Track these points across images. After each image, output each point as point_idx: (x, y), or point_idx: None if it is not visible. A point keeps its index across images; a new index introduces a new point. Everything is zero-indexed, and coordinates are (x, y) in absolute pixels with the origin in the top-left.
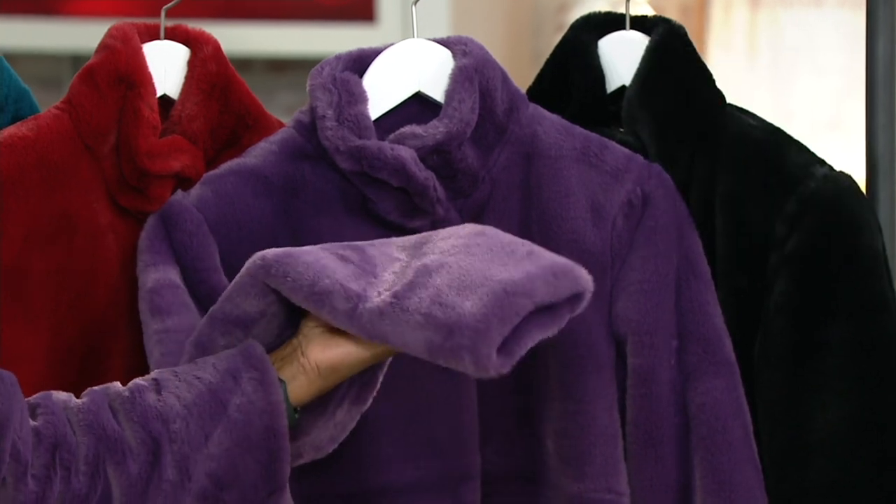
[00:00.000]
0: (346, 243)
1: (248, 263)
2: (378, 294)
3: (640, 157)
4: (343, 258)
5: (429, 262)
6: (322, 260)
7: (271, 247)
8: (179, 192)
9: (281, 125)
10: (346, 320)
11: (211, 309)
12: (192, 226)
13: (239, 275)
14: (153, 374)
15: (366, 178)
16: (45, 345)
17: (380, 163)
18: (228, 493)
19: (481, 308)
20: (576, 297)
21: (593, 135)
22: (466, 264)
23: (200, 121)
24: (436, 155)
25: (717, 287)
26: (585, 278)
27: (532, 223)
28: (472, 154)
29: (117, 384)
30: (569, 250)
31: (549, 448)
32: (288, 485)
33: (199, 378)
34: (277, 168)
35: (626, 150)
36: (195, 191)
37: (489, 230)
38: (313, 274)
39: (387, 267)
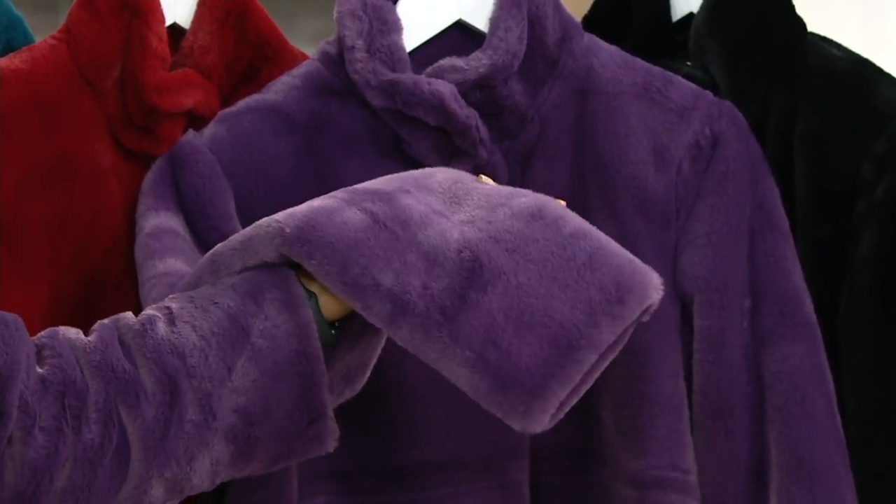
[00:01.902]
0: (375, 185)
1: (263, 228)
2: (420, 291)
3: (708, 94)
4: (374, 217)
5: (482, 256)
6: (349, 228)
7: (293, 192)
8: (191, 132)
9: (304, 57)
10: (385, 327)
11: (214, 252)
12: (204, 168)
13: (248, 236)
14: (166, 300)
15: (399, 117)
16: (44, 301)
17: (415, 99)
18: (260, 428)
19: (541, 364)
20: (644, 310)
21: (656, 68)
22: (525, 280)
23: (215, 52)
24: (479, 90)
25: (795, 239)
26: (656, 286)
27: (586, 168)
28: (520, 89)
29: (129, 315)
30: (628, 198)
31: (605, 421)
32: (331, 412)
33: (216, 303)
34: (301, 105)
35: (694, 86)
36: (209, 130)
37: (546, 206)
38: (341, 258)
39: (427, 230)
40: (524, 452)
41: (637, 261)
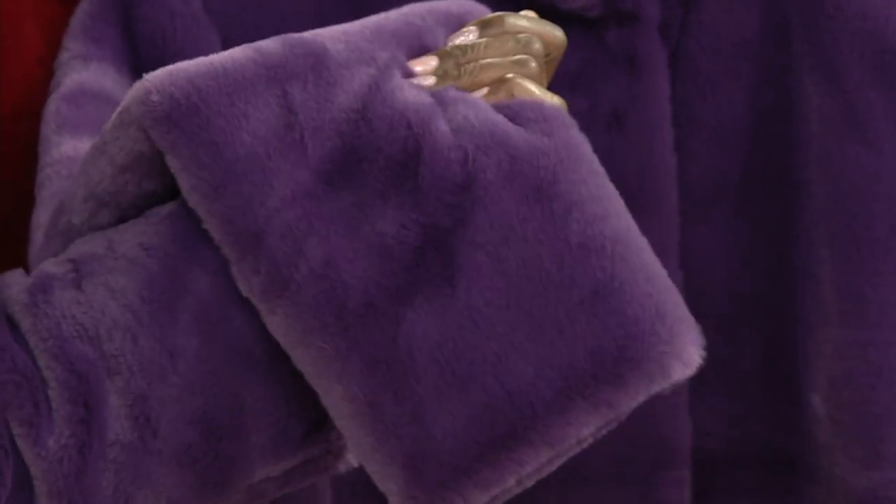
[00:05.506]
0: (335, 47)
1: (133, 91)
2: (316, 269)
3: None
4: (289, 120)
5: (432, 241)
6: (250, 127)
7: None
8: None
9: None
10: (254, 299)
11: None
12: (177, 1)
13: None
14: (74, 247)
15: None
16: None
17: None
18: (230, 444)
19: (460, 447)
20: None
21: None
22: (481, 301)
23: None
24: None
25: None
26: (684, 359)
27: (787, 4)
28: None
29: (19, 275)
30: (855, 52)
31: (816, 410)
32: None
33: (146, 248)
34: None
35: None
36: None
37: (561, 166)
38: (221, 172)
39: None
40: (684, 459)
41: (675, 302)
